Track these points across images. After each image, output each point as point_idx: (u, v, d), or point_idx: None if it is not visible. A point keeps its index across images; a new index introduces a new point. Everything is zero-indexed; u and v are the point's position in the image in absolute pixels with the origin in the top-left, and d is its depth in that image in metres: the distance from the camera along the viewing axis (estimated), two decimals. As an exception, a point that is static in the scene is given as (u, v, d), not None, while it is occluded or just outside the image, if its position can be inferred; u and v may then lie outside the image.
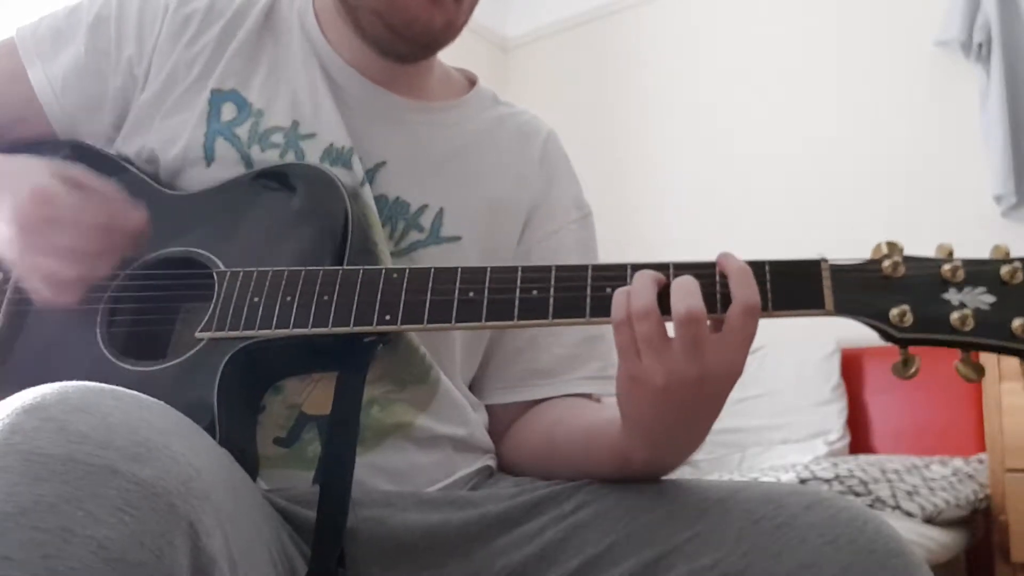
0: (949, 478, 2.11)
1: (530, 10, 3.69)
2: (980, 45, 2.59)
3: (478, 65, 1.01)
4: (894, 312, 0.61)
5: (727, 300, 0.62)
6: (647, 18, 3.42)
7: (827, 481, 1.91)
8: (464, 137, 0.91)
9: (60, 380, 0.53)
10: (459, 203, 0.86)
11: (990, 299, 0.60)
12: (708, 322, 0.61)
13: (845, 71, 2.93)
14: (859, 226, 2.72)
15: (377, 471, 0.77)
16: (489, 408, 0.89)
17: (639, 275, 0.63)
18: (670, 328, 0.61)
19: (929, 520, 1.96)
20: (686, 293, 0.61)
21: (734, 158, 3.11)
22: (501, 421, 0.89)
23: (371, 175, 0.84)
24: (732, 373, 0.61)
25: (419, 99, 0.90)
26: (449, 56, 0.91)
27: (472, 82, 0.97)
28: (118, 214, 0.75)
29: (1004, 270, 0.60)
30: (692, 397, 0.62)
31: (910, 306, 0.61)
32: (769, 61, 3.10)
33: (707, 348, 0.60)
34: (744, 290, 0.61)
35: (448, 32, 0.84)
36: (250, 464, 0.69)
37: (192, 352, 0.70)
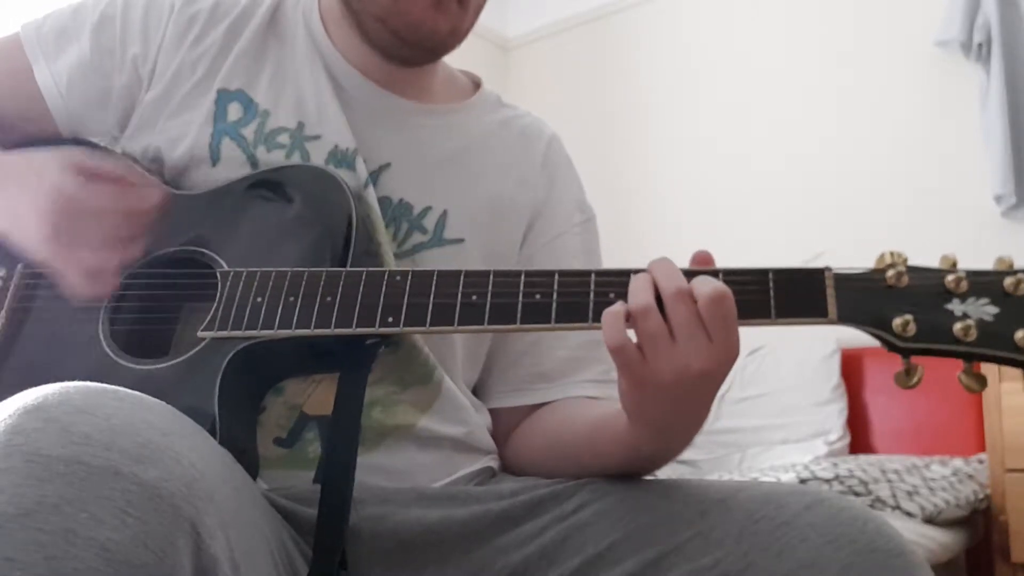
0: (949, 478, 2.11)
1: (530, 10, 3.68)
2: (980, 45, 2.59)
3: (478, 65, 1.01)
4: (897, 322, 0.61)
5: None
6: (647, 18, 3.42)
7: (827, 481, 1.91)
8: (468, 140, 0.91)
9: (62, 378, 0.53)
10: (462, 205, 0.86)
11: (993, 310, 0.60)
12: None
13: (845, 71, 2.93)
14: (859, 227, 2.72)
15: (377, 470, 0.77)
16: (493, 412, 0.89)
17: (635, 277, 0.64)
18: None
19: (929, 520, 1.96)
20: (704, 281, 0.62)
21: (733, 157, 3.11)
22: (505, 424, 0.89)
23: (375, 177, 0.84)
24: (732, 356, 0.62)
25: (424, 102, 0.90)
26: (449, 56, 0.91)
27: (476, 85, 0.97)
28: (137, 195, 0.76)
29: (1007, 281, 0.60)
30: (699, 387, 0.63)
31: (913, 316, 0.61)
32: (768, 62, 3.09)
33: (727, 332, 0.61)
34: (704, 286, 0.61)
35: (453, 38, 0.84)
36: (251, 464, 0.69)
37: (194, 351, 0.70)
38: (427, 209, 0.85)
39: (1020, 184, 2.51)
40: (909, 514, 1.93)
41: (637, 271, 0.65)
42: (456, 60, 0.95)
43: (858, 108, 2.89)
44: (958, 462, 2.22)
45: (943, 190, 2.67)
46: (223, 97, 0.85)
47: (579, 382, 0.87)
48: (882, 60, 2.86)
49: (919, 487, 2.02)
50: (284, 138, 0.83)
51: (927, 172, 2.73)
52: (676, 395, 0.63)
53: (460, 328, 0.67)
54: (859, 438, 2.55)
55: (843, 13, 2.96)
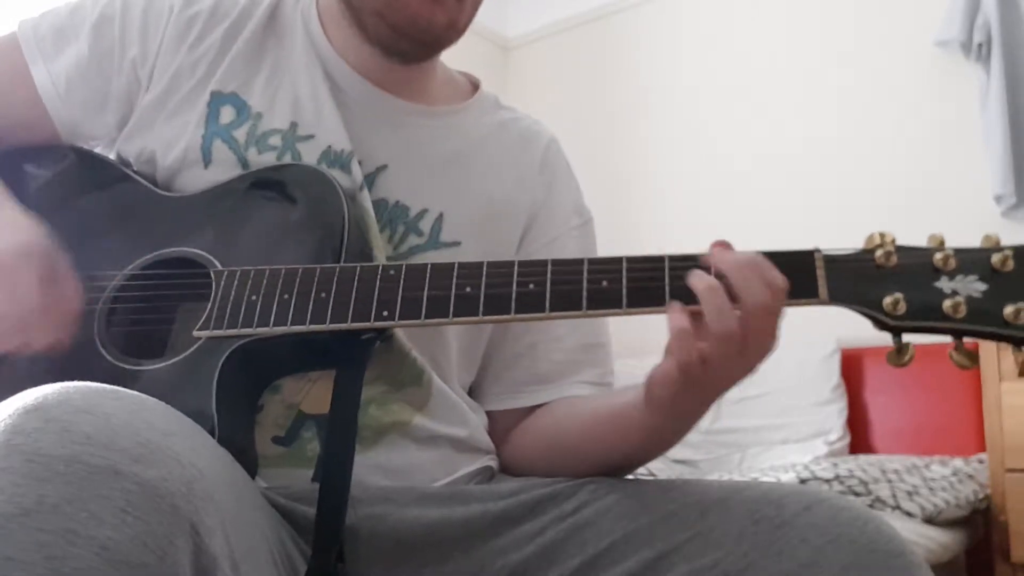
0: (949, 478, 2.11)
1: (530, 10, 3.68)
2: (980, 45, 2.59)
3: (478, 65, 1.01)
4: (887, 300, 0.61)
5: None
6: (647, 18, 3.42)
7: (827, 481, 1.91)
8: (465, 142, 0.90)
9: (59, 380, 0.53)
10: (459, 208, 0.86)
11: (982, 287, 0.61)
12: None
13: (845, 71, 2.93)
14: (859, 226, 2.70)
15: (376, 469, 0.77)
16: (489, 414, 0.89)
17: (717, 293, 0.63)
18: None
19: (929, 520, 1.96)
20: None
21: (734, 158, 3.11)
22: (501, 426, 0.89)
23: (372, 179, 0.83)
24: (766, 352, 0.64)
25: (422, 103, 0.90)
26: (449, 56, 0.91)
27: (475, 86, 0.97)
28: (64, 317, 0.75)
29: (995, 258, 0.61)
30: (728, 381, 0.66)
31: (903, 294, 0.61)
32: (769, 61, 3.09)
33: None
34: (752, 292, 0.62)
35: (451, 32, 0.84)
36: (249, 463, 0.69)
37: (190, 351, 0.71)
38: (423, 211, 0.84)
39: (1020, 184, 2.51)
40: (909, 514, 1.93)
41: (632, 259, 0.65)
42: (456, 60, 0.95)
43: (858, 108, 2.88)
44: (958, 462, 2.22)
45: (943, 190, 2.67)
46: (216, 100, 0.84)
47: (574, 383, 0.87)
48: (882, 60, 2.86)
49: (919, 487, 2.02)
50: (276, 140, 0.83)
51: (927, 172, 2.73)
52: (714, 395, 0.67)
53: (456, 320, 0.67)
54: (859, 438, 2.55)
55: (843, 13, 2.96)
